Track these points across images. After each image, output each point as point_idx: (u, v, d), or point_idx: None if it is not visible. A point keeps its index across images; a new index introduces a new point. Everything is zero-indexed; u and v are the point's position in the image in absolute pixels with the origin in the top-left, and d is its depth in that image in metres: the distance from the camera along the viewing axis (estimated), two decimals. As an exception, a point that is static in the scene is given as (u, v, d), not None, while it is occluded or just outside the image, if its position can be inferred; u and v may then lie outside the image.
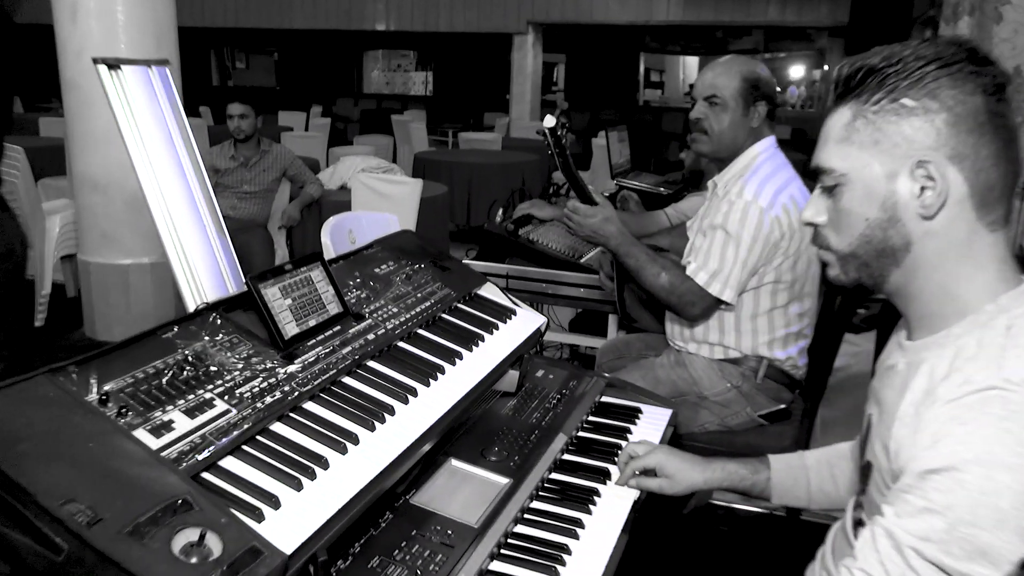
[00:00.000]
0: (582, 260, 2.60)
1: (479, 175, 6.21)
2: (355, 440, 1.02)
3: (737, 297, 1.91)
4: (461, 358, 1.31)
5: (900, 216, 0.87)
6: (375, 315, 1.30)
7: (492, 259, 2.67)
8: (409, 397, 1.15)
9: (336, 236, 2.21)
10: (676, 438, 1.58)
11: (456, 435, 1.30)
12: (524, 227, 2.67)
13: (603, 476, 1.31)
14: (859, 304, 1.90)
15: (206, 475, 0.88)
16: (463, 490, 1.17)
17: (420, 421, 1.10)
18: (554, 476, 1.30)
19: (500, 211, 2.82)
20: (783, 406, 2.02)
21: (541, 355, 1.74)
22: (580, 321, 3.38)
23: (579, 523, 1.16)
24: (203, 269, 1.21)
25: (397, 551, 1.01)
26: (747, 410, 1.98)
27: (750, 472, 1.27)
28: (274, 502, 0.87)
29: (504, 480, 1.20)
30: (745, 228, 1.83)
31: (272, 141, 4.56)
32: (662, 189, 3.91)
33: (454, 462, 1.24)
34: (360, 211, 3.24)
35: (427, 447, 1.11)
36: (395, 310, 1.34)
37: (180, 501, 0.77)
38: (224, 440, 0.91)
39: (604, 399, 1.61)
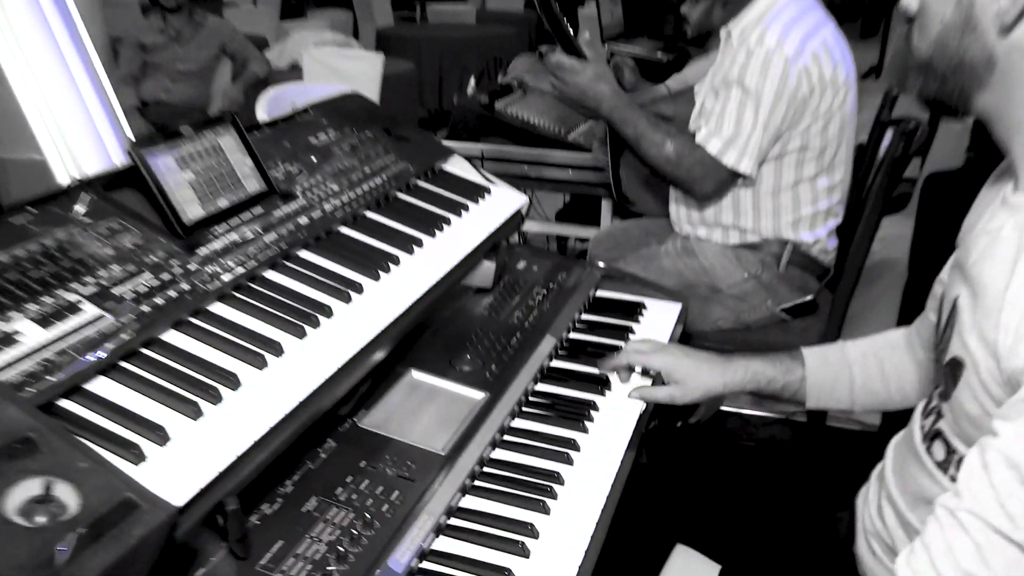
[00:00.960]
0: (570, 136, 2.48)
1: (451, 52, 5.94)
2: (278, 350, 0.91)
3: (756, 169, 1.81)
4: (421, 246, 1.22)
5: (976, 22, 0.84)
6: (309, 194, 1.18)
7: (464, 139, 2.51)
8: (352, 295, 1.05)
9: (275, 111, 2.03)
10: (685, 338, 1.51)
11: (417, 341, 1.23)
12: (502, 99, 2.51)
13: (601, 385, 1.25)
14: (900, 173, 1.76)
15: (65, 403, 0.75)
16: (427, 409, 1.11)
17: (367, 324, 1.01)
18: (541, 388, 1.24)
19: (472, 82, 2.67)
20: (809, 297, 1.94)
21: (523, 244, 1.68)
22: (569, 211, 3.27)
23: (573, 444, 1.09)
24: (78, 134, 1.04)
25: (341, 489, 0.92)
26: (767, 303, 1.91)
27: (780, 372, 1.21)
28: (160, 435, 0.74)
29: (478, 395, 1.14)
30: (767, 83, 1.70)
31: (208, 13, 4.36)
32: (660, 55, 3.72)
33: (415, 374, 1.17)
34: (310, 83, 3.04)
35: (377, 356, 1.01)
36: (335, 188, 1.23)
37: (19, 441, 0.63)
38: (92, 356, 0.77)
39: (600, 293, 1.55)
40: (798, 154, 1.84)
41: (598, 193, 2.56)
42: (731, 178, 1.83)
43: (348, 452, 0.99)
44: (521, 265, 1.54)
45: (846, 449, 2.21)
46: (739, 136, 1.76)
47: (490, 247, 1.37)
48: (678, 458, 1.54)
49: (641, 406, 1.24)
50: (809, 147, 1.83)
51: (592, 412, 1.19)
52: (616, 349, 1.33)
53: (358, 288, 1.07)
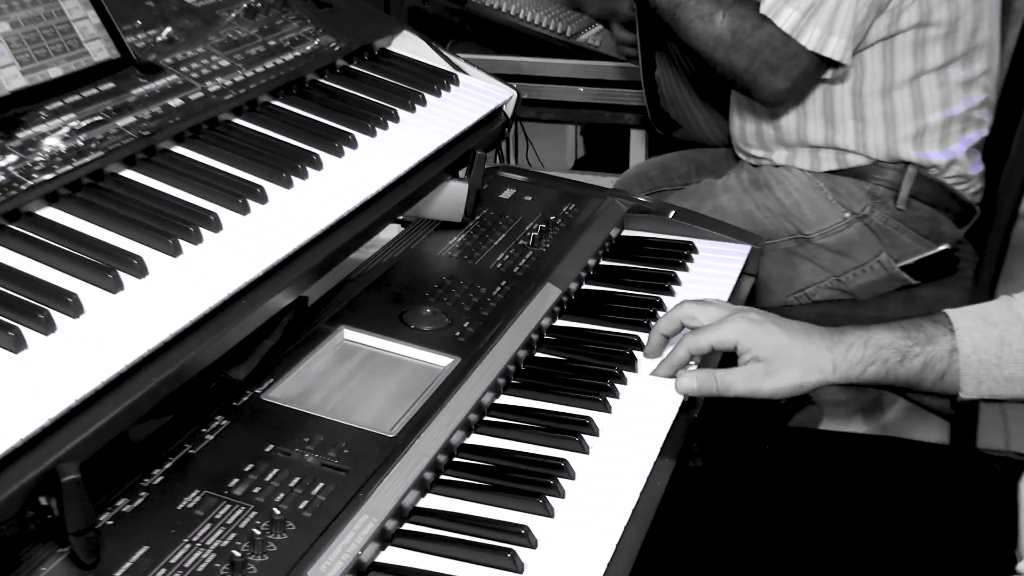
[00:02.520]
0: (579, 39, 2.51)
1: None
2: (139, 269, 0.92)
3: (852, 54, 1.84)
4: (353, 146, 1.26)
5: None
6: (185, 69, 1.21)
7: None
8: (251, 204, 1.08)
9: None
10: (752, 303, 1.56)
11: (355, 290, 1.29)
12: None
13: (628, 354, 1.29)
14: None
15: None
16: (368, 380, 1.16)
17: (265, 249, 1.04)
18: (539, 355, 1.28)
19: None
20: (944, 247, 1.96)
21: (512, 166, 1.76)
22: (586, 164, 3.32)
23: (588, 426, 1.12)
24: None
25: (237, 480, 0.94)
26: (880, 259, 1.94)
27: (918, 341, 1.23)
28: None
29: (444, 360, 1.19)
30: None
31: None
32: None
33: (349, 334, 1.22)
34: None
35: (280, 298, 1.04)
36: (225, 64, 1.27)
37: None
38: None
39: (628, 232, 1.60)
40: (916, 32, 1.85)
41: (624, 121, 2.54)
42: (816, 68, 1.85)
43: (247, 433, 1.01)
44: (507, 193, 1.60)
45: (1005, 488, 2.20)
46: (823, 4, 1.76)
47: (458, 157, 1.40)
48: (748, 472, 1.57)
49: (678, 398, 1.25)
50: (932, 21, 1.84)
51: (615, 388, 1.21)
52: (650, 309, 1.36)
53: (259, 195, 1.10)
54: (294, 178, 1.17)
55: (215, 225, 1.05)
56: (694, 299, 1.36)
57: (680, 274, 1.51)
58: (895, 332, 1.24)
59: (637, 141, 2.67)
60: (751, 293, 1.58)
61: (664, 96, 2.29)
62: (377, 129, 1.31)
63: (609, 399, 1.22)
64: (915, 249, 1.96)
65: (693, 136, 2.37)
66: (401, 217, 1.47)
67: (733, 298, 1.49)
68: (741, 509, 1.46)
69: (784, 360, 1.22)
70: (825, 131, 1.96)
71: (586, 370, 1.29)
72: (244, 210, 1.09)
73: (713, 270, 1.54)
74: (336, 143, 1.26)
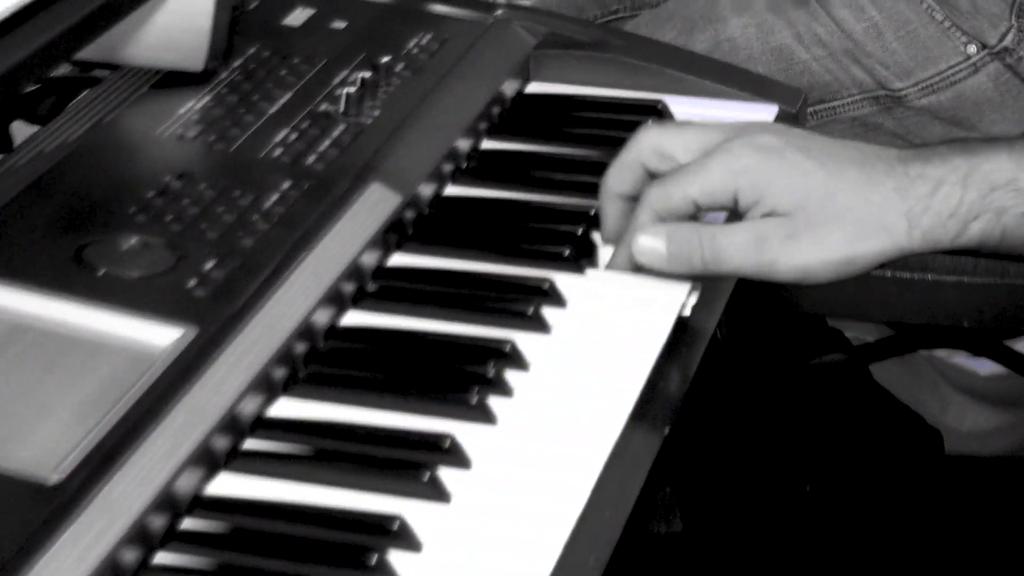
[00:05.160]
0: None
1: None
2: None
3: None
4: None
5: None
6: None
7: None
8: None
9: None
10: None
11: None
12: None
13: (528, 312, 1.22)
14: None
15: None
16: (19, 379, 1.09)
17: None
18: (352, 323, 1.25)
19: None
20: None
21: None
22: None
23: (449, 454, 1.06)
24: None
25: None
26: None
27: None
28: None
29: (166, 334, 1.09)
30: None
31: None
32: None
33: None
34: None
35: None
36: None
37: None
38: None
39: (537, 87, 1.56)
40: None
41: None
42: None
43: None
44: (299, 15, 1.52)
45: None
46: None
47: None
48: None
49: (682, 293, 1.22)
50: None
51: (505, 375, 1.15)
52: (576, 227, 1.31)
53: None
54: None
55: None
56: (659, 123, 1.35)
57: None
58: (1018, 158, 1.23)
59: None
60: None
61: None
62: None
63: (492, 397, 1.12)
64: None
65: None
66: (83, 63, 1.41)
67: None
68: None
69: (819, 213, 1.21)
70: None
71: (452, 348, 1.18)
72: None
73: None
74: None
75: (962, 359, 2.75)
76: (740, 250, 1.21)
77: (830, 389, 2.47)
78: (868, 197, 1.23)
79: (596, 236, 1.35)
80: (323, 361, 1.25)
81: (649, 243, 1.22)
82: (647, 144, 1.27)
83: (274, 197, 1.30)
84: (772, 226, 1.22)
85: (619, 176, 1.28)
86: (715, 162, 1.23)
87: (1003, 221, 1.23)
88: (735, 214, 1.24)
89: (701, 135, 1.27)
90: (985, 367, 2.72)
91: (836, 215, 1.22)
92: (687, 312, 1.28)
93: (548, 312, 1.24)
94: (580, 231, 1.34)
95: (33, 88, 1.65)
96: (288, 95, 1.46)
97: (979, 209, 1.22)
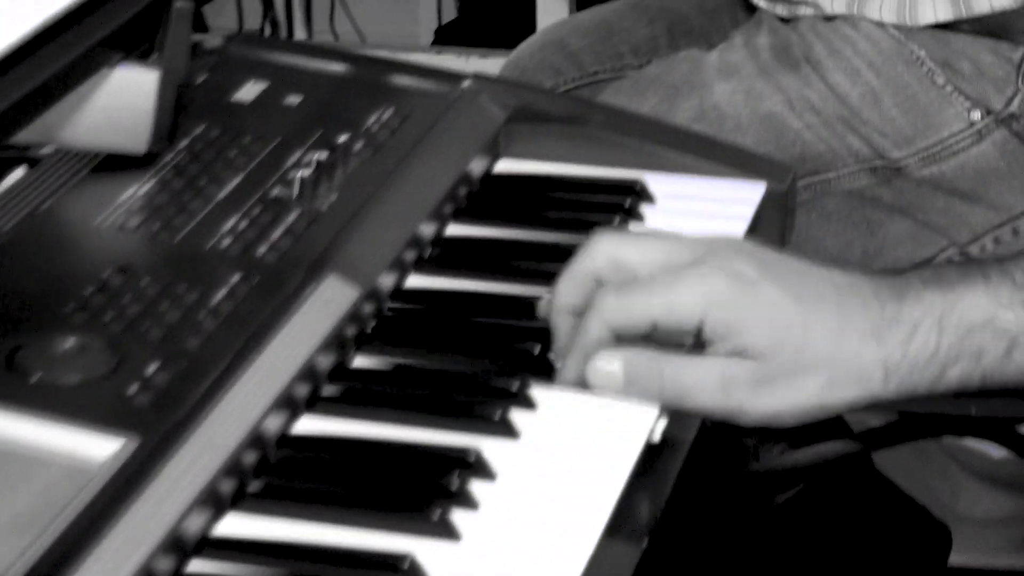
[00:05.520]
0: None
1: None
2: None
3: None
4: None
5: None
6: None
7: None
8: None
9: None
10: None
11: None
12: None
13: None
14: None
15: None
16: None
17: None
18: (307, 430, 1.23)
19: None
20: None
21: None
22: (448, 28, 3.57)
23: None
24: None
25: None
26: None
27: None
28: None
29: (105, 445, 1.08)
30: None
31: None
32: None
33: None
34: None
35: None
36: None
37: None
38: None
39: (507, 166, 1.57)
40: None
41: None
42: None
43: None
44: (251, 89, 1.52)
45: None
46: None
47: (137, 24, 1.35)
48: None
49: (647, 422, 1.20)
50: None
51: (471, 488, 1.14)
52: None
53: None
54: None
55: None
56: (616, 232, 1.32)
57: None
58: (995, 291, 1.24)
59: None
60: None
61: None
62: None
63: (456, 511, 1.11)
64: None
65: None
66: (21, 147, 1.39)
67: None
68: None
69: (793, 360, 1.21)
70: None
71: (413, 457, 1.19)
72: None
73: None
74: None
75: (973, 442, 2.73)
76: (706, 391, 1.22)
77: (830, 482, 2.45)
78: (844, 342, 1.25)
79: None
80: (275, 473, 1.22)
81: (604, 368, 1.22)
82: (603, 254, 1.27)
83: (222, 292, 1.29)
84: (742, 369, 1.22)
85: (571, 289, 1.28)
86: (684, 284, 1.23)
87: (983, 364, 1.26)
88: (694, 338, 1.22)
89: (664, 249, 1.27)
90: (998, 450, 2.71)
91: (811, 363, 1.23)
92: (656, 438, 1.27)
93: (517, 416, 1.24)
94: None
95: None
96: (238, 179, 1.45)
97: (957, 353, 1.25)
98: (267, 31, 3.69)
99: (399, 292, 1.42)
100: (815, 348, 1.23)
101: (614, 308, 1.24)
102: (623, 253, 1.27)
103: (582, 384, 1.25)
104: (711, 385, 1.21)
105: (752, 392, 1.21)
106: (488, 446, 1.20)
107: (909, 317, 1.23)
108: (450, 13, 3.59)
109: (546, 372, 1.31)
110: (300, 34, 3.81)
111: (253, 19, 4.09)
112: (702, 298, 1.21)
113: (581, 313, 1.27)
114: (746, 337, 1.20)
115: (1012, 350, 1.23)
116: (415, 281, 1.44)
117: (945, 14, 1.94)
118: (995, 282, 1.25)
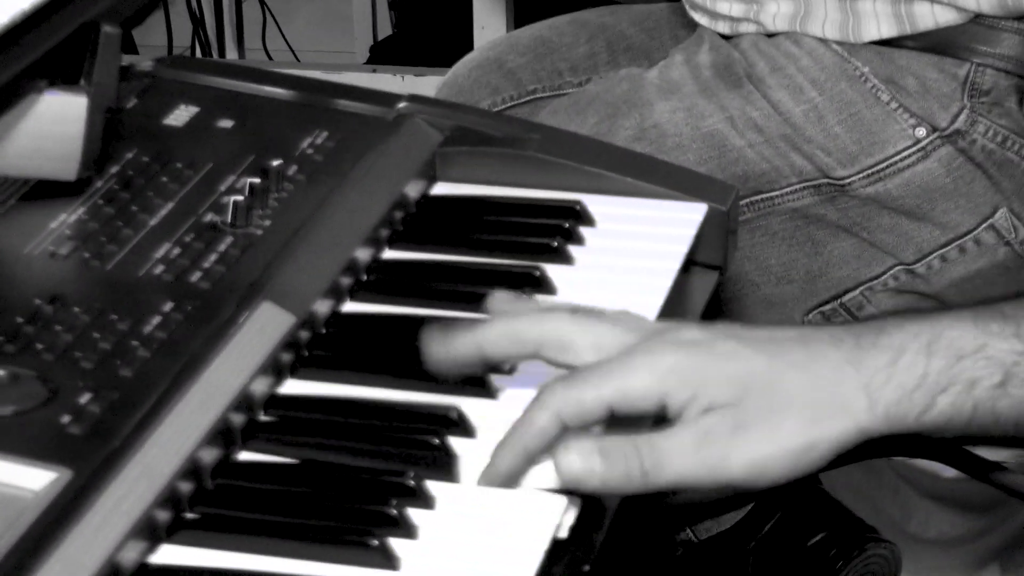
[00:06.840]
0: None
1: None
2: None
3: None
4: None
5: None
6: None
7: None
8: None
9: None
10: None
11: None
12: None
13: (436, 453, 1.22)
14: None
15: None
16: None
17: None
18: (244, 457, 1.25)
19: None
20: None
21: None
22: (384, 44, 3.62)
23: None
24: None
25: None
26: (996, 221, 2.03)
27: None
28: None
29: (38, 477, 1.11)
30: None
31: None
32: None
33: None
34: None
35: None
36: None
37: None
38: None
39: (444, 189, 1.57)
40: None
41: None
42: None
43: None
44: (182, 114, 1.54)
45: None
46: None
47: (64, 49, 1.36)
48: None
49: (559, 508, 1.19)
50: None
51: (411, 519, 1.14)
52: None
53: None
54: None
55: None
56: (563, 305, 1.28)
57: (552, 271, 1.43)
58: (984, 325, 1.21)
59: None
60: (712, 307, 1.46)
61: None
62: None
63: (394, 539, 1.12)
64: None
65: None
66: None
67: (686, 312, 1.43)
68: None
69: (766, 399, 1.18)
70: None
71: (351, 485, 1.19)
72: None
73: (626, 262, 1.47)
74: None
75: (924, 462, 2.76)
76: (685, 452, 1.18)
77: (777, 504, 2.50)
78: (817, 373, 1.21)
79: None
80: (211, 502, 1.22)
81: (579, 464, 1.17)
82: (552, 332, 1.24)
83: (155, 320, 1.30)
84: (717, 419, 1.18)
85: (504, 345, 1.27)
86: (635, 363, 1.19)
87: (975, 394, 1.21)
88: (661, 420, 1.20)
89: (613, 331, 1.24)
90: (949, 470, 2.71)
91: (786, 401, 1.20)
92: (563, 533, 1.22)
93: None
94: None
95: None
96: (170, 205, 1.46)
97: (948, 380, 1.20)
98: (197, 50, 3.64)
99: (336, 317, 1.44)
100: (787, 386, 1.20)
101: (565, 398, 1.20)
102: (565, 333, 1.26)
103: (511, 480, 1.23)
104: (688, 444, 1.18)
105: (732, 440, 1.19)
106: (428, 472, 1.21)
107: (889, 344, 1.21)
108: (386, 29, 3.57)
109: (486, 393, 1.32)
110: (231, 53, 3.75)
111: (182, 37, 3.99)
112: (656, 373, 1.20)
113: (491, 365, 1.29)
114: (712, 390, 1.18)
115: (1007, 383, 1.21)
116: (351, 307, 1.45)
117: (889, 30, 1.97)
118: (984, 315, 1.23)
